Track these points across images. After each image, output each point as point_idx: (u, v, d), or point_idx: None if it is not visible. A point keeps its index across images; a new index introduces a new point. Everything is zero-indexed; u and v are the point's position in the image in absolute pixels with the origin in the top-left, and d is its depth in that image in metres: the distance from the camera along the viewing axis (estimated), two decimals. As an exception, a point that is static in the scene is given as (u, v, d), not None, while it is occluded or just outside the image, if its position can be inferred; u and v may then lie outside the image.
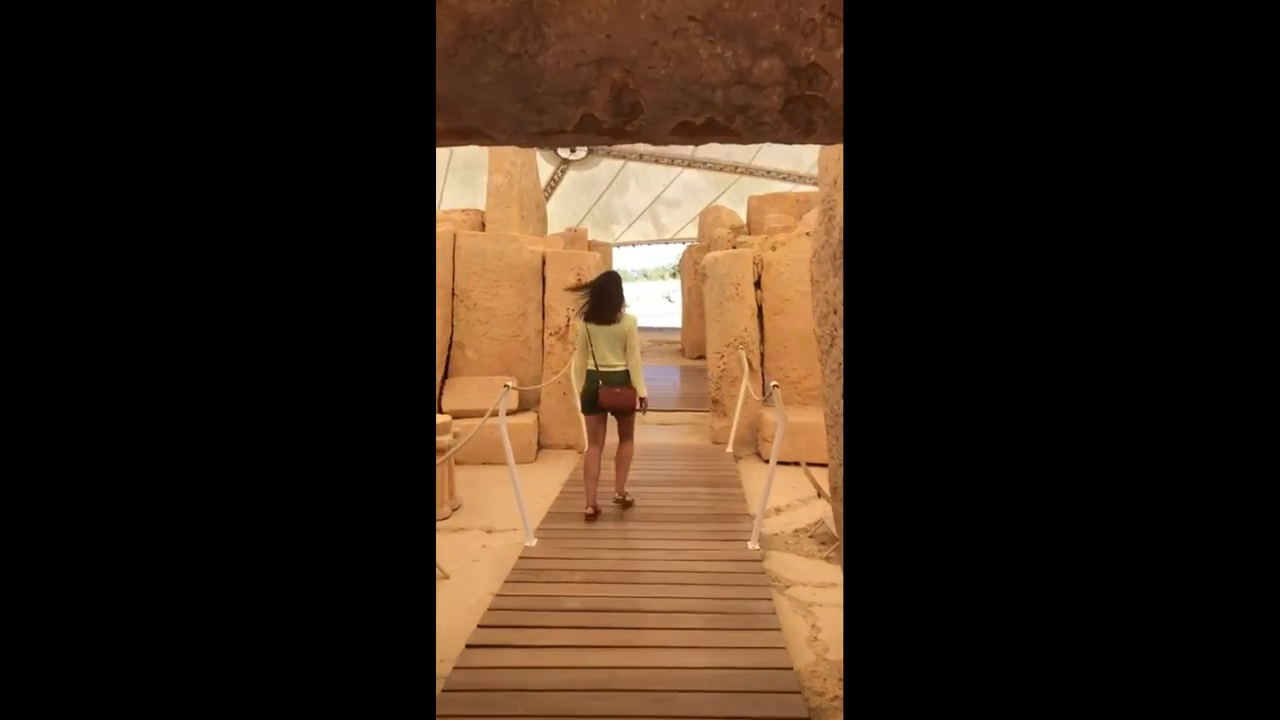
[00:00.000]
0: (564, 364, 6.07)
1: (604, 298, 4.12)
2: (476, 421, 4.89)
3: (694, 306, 11.32)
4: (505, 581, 3.34)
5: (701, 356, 11.09)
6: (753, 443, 5.97)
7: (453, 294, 6.27)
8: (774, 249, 6.25)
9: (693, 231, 16.72)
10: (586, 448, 4.29)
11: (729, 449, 5.86)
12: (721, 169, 16.19)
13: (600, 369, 4.12)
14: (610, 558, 3.59)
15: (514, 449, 5.88)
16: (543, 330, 6.26)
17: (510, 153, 6.73)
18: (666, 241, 18.60)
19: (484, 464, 5.66)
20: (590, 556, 3.61)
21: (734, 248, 6.76)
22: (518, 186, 6.73)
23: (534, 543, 3.80)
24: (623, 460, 4.33)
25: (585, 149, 15.36)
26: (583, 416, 4.57)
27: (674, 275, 20.87)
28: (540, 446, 6.10)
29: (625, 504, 4.33)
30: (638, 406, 4.16)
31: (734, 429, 5.90)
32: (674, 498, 4.60)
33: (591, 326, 4.13)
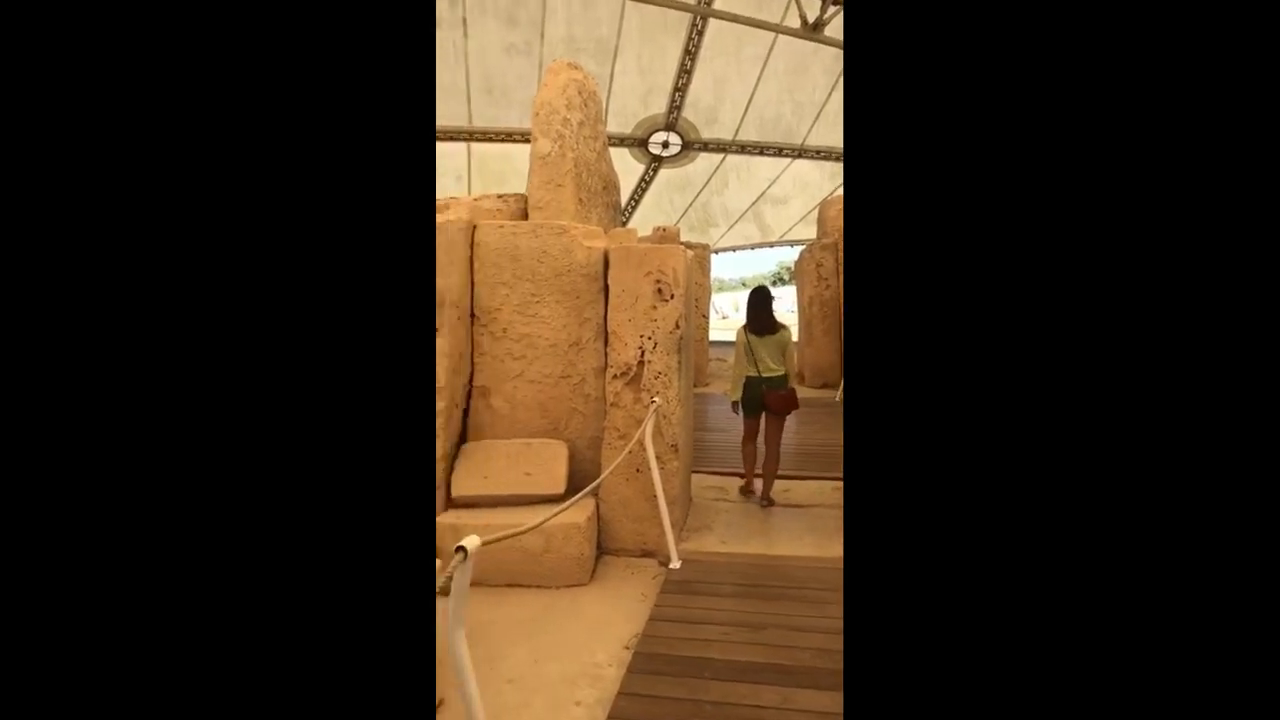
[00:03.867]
0: (637, 426, 3.85)
1: (766, 310, 4.59)
2: (499, 520, 3.44)
3: (817, 320, 8.90)
4: None
5: (827, 384, 8.78)
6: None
7: (471, 315, 4.15)
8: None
9: (803, 231, 14.50)
10: (743, 444, 4.84)
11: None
12: (839, 158, 13.87)
13: (763, 375, 4.52)
14: None
15: (558, 562, 3.73)
16: (605, 369, 4.05)
17: (563, 107, 4.58)
18: (773, 244, 16.31)
19: (509, 586, 3.54)
20: None
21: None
22: (573, 156, 4.57)
23: None
24: (768, 472, 4.66)
25: (679, 143, 13.38)
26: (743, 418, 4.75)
27: (774, 282, 18.61)
28: (601, 552, 3.90)
29: (770, 504, 4.65)
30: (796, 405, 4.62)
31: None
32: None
33: (753, 337, 4.55)
